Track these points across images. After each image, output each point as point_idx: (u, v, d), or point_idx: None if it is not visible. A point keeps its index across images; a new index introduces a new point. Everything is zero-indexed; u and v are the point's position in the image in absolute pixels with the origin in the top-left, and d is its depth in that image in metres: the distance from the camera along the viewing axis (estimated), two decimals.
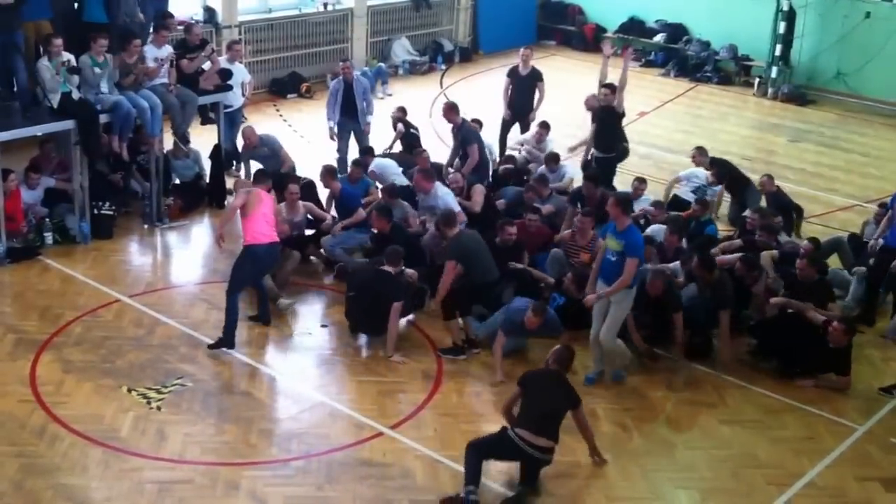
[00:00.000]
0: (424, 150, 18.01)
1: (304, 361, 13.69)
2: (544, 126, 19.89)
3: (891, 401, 13.29)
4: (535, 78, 20.56)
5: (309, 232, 16.37)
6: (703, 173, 18.21)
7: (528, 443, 10.85)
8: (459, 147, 18.02)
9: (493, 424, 11.83)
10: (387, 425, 12.21)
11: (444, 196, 15.92)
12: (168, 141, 18.25)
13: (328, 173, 16.63)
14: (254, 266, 13.75)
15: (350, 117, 19.27)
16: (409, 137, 19.68)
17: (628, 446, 12.23)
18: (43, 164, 16.91)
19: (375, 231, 15.49)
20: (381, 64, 26.63)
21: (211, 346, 13.56)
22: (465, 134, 17.80)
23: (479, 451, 10.90)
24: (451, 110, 17.99)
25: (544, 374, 11.37)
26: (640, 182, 17.74)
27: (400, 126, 19.92)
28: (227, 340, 13.54)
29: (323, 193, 17.01)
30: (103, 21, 16.95)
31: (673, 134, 23.96)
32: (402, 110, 20.25)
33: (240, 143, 18.88)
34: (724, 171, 18.12)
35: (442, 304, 13.84)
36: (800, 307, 13.90)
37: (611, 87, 17.88)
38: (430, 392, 12.98)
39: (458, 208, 15.66)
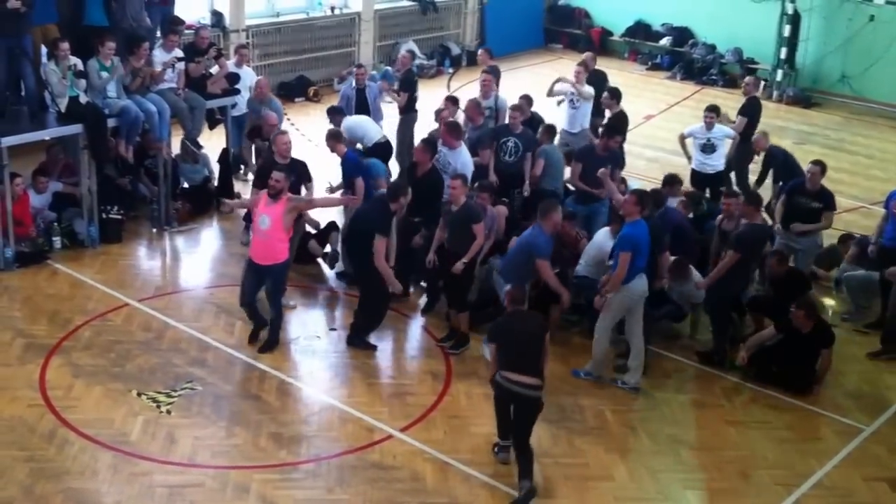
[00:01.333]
0: (445, 109, 17.86)
1: (313, 364, 13.69)
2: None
3: None
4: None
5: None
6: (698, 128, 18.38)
7: (514, 382, 11.00)
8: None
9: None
10: (396, 428, 12.23)
11: (465, 161, 15.73)
12: (175, 145, 18.30)
13: (332, 136, 15.99)
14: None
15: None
16: None
17: (636, 447, 12.29)
18: (50, 168, 16.96)
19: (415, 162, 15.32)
20: (388, 68, 26.63)
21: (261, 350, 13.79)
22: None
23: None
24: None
25: (509, 318, 11.62)
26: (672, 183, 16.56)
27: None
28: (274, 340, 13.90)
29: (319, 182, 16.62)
30: (104, 24, 17.00)
31: None
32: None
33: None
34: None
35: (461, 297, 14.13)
36: None
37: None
38: (440, 394, 13.00)
39: (469, 170, 15.52)
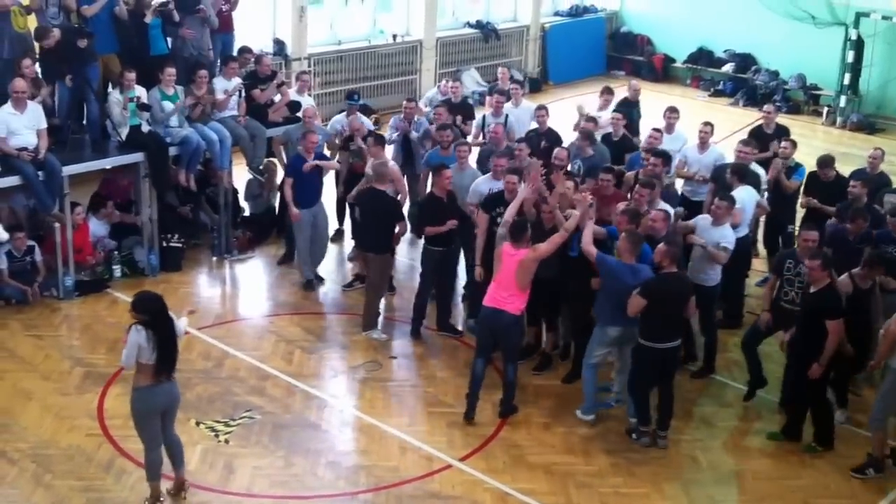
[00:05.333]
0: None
1: (372, 393, 13.60)
2: None
3: None
4: None
5: None
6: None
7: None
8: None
9: (561, 455, 12.09)
10: (456, 457, 12.14)
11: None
12: (238, 173, 18.37)
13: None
14: None
15: (408, 162, 17.97)
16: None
17: (697, 477, 12.14)
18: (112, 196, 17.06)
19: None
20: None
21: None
22: None
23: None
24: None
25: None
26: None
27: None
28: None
29: None
30: (166, 53, 17.13)
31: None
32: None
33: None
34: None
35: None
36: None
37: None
38: (500, 423, 12.88)
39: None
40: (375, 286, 15.17)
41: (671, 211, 14.25)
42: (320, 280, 16.65)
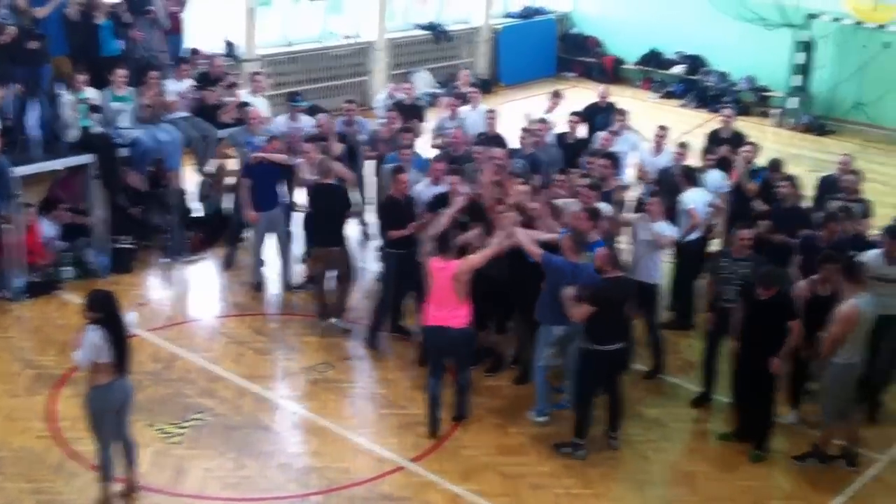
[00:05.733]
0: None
1: (324, 395, 13.57)
2: None
3: None
4: None
5: None
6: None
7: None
8: None
9: (513, 456, 12.13)
10: (407, 459, 12.14)
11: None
12: (190, 176, 18.31)
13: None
14: None
15: (351, 163, 17.44)
16: None
17: (650, 478, 12.21)
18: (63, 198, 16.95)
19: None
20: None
21: None
22: None
23: None
24: None
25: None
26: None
27: None
28: None
29: None
30: (118, 54, 17.05)
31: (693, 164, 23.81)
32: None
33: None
34: None
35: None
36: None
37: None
38: (452, 425, 12.88)
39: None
40: (349, 277, 15.30)
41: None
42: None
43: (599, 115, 19.62)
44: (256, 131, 16.60)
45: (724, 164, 16.82)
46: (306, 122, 17.86)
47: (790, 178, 15.61)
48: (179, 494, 11.31)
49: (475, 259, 12.44)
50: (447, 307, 12.27)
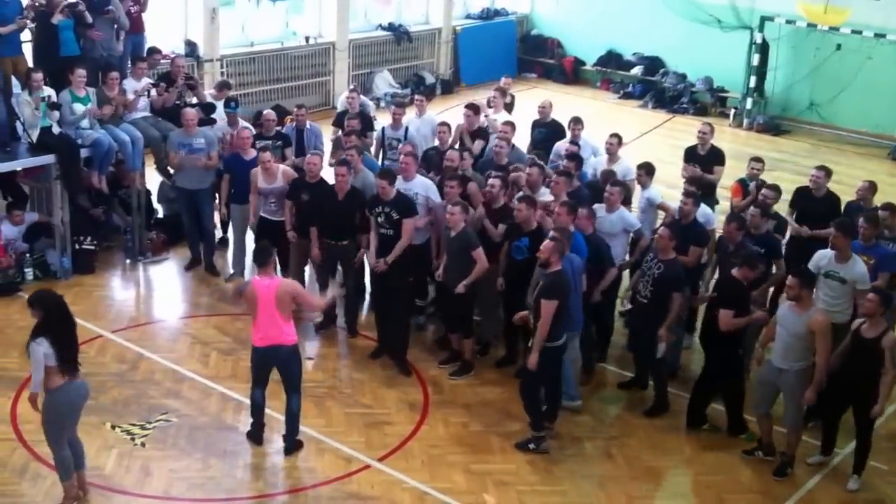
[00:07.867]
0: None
1: None
2: None
3: (875, 426, 13.22)
4: None
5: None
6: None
7: None
8: None
9: (478, 454, 12.23)
10: (374, 457, 12.18)
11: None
12: (152, 176, 18.28)
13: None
14: None
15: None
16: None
17: (615, 474, 12.28)
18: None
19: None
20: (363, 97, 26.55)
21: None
22: None
23: None
24: None
25: None
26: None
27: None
28: None
29: None
30: (77, 54, 16.96)
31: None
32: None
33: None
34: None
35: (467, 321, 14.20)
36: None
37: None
38: (417, 423, 12.96)
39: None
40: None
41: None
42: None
43: (538, 129, 18.98)
44: (192, 134, 16.50)
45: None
46: (249, 126, 17.70)
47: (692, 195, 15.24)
48: (145, 496, 11.31)
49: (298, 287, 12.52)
50: (276, 325, 11.72)
